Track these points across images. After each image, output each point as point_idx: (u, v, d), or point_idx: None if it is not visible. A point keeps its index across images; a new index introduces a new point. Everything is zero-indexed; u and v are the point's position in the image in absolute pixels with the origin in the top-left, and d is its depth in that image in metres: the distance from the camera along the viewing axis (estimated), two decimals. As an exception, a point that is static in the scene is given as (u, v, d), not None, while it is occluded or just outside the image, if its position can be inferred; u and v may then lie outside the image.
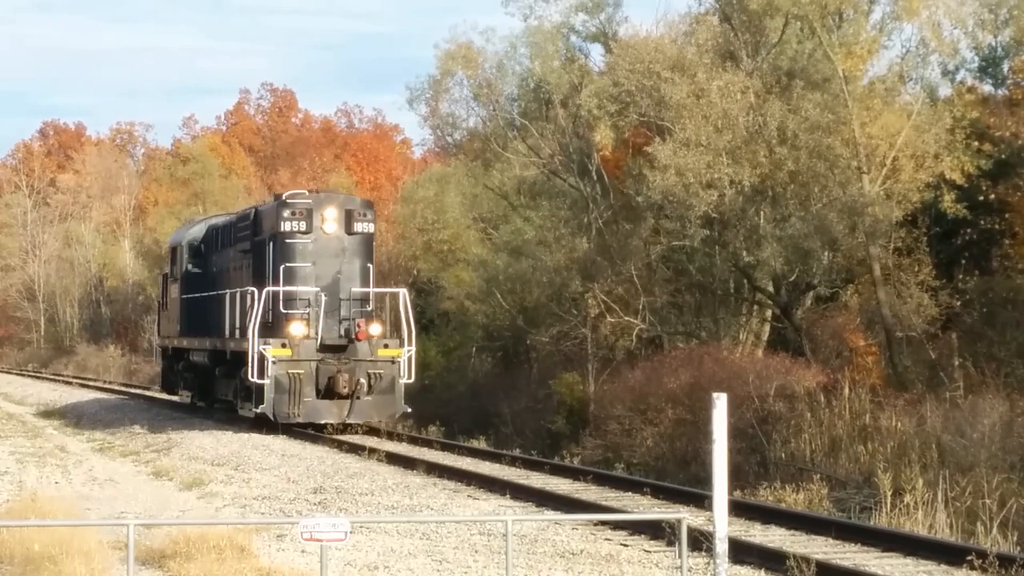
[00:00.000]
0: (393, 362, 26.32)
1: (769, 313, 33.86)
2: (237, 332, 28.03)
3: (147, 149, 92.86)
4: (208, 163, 73.75)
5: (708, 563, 11.98)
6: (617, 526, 15.57)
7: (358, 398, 26.08)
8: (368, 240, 27.46)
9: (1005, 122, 31.40)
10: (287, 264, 26.61)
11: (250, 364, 25.69)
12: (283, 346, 25.84)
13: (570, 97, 36.66)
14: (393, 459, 22.65)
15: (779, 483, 20.66)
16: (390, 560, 14.02)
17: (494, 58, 39.82)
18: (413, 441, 26.36)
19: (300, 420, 26.08)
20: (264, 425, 26.75)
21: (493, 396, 34.69)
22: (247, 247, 28.62)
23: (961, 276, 31.51)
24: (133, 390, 45.94)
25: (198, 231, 33.86)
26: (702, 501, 16.04)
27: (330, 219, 26.85)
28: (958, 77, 35.43)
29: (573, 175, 36.97)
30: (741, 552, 13.40)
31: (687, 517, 11.23)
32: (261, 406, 25.83)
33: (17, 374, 64.80)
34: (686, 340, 33.46)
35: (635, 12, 58.46)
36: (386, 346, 26.52)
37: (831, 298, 33.40)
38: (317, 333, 26.11)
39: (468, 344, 41.31)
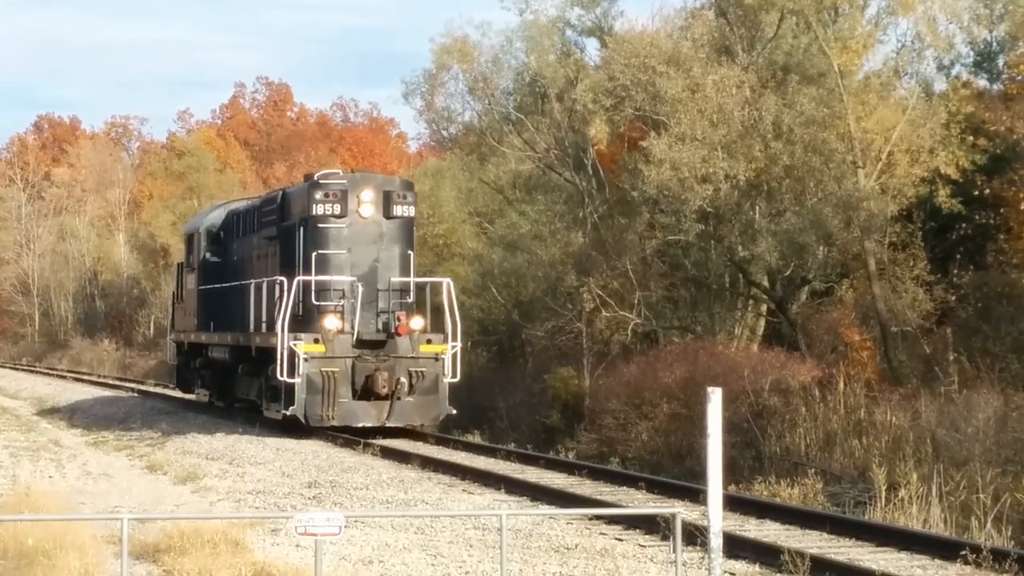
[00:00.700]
0: (436, 359, 24.49)
1: (764, 308, 33.88)
2: (263, 326, 25.92)
3: (142, 143, 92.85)
4: (203, 157, 73.65)
5: (703, 557, 11.97)
6: (612, 521, 15.55)
7: (398, 399, 24.18)
8: (408, 225, 25.36)
9: (1000, 117, 31.39)
10: (319, 251, 24.49)
11: (279, 361, 23.57)
12: (316, 341, 23.84)
13: (565, 91, 36.65)
14: (388, 453, 22.62)
15: (774, 478, 20.68)
16: (385, 554, 14.01)
17: (490, 52, 39.80)
18: (407, 435, 26.15)
19: (334, 423, 24.08)
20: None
21: (488, 390, 34.66)
22: (273, 233, 26.47)
23: (956, 271, 31.52)
24: (128, 384, 45.89)
25: (217, 217, 31.43)
26: (697, 495, 16.04)
27: (367, 201, 24.71)
28: (953, 72, 35.48)
29: (568, 169, 36.97)
30: (736, 547, 13.40)
31: (682, 512, 11.21)
32: (291, 408, 23.86)
33: (11, 368, 64.75)
34: (681, 335, 33.47)
35: (631, 6, 58.48)
36: (429, 341, 24.62)
37: (826, 293, 33.42)
38: (353, 327, 24.14)
39: (463, 338, 41.24)
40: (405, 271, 24.97)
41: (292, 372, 23.56)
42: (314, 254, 24.46)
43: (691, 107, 30.97)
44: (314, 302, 24.39)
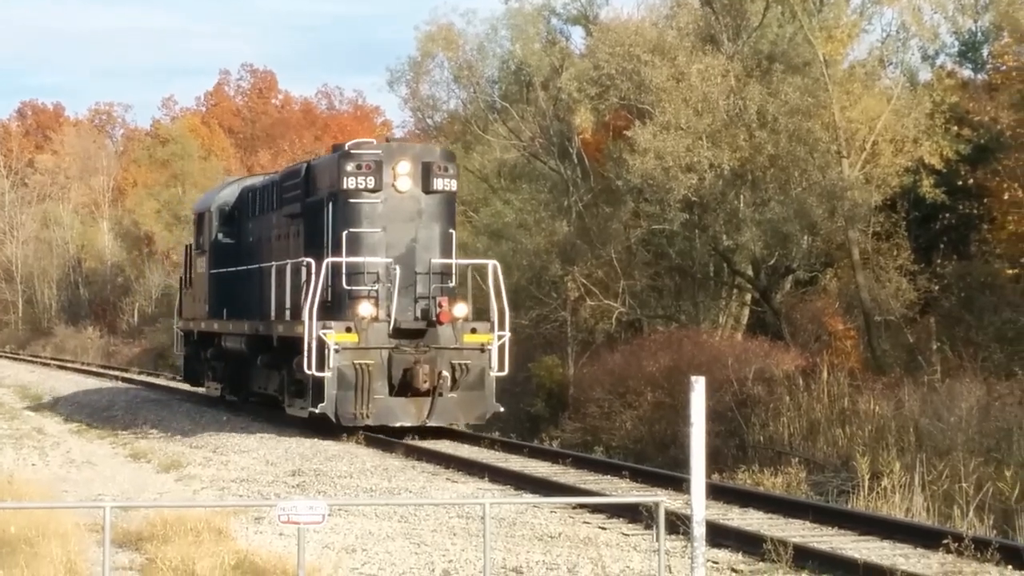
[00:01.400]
0: (482, 350, 21.84)
1: (748, 297, 33.96)
2: (287, 313, 23.22)
3: (126, 130, 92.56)
4: (187, 144, 73.47)
5: (686, 546, 11.99)
6: (595, 509, 15.56)
7: (440, 395, 21.60)
8: (450, 200, 22.65)
9: (984, 107, 31.50)
10: (351, 230, 21.81)
11: (305, 353, 21.02)
12: (347, 331, 21.26)
13: (551, 80, 36.67)
14: (372, 442, 22.51)
15: (757, 466, 20.74)
16: (368, 543, 14.00)
17: (475, 40, 39.83)
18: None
19: (369, 423, 21.60)
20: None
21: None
22: (296, 210, 23.74)
23: (939, 261, 31.64)
24: (112, 372, 45.80)
25: (229, 194, 28.41)
26: (680, 484, 16.07)
27: (403, 174, 21.98)
28: (938, 62, 35.62)
29: (553, 158, 36.99)
30: (719, 535, 13.42)
31: (665, 500, 11.22)
32: (320, 405, 21.33)
33: (-6, 355, 64.54)
34: (666, 323, 33.54)
35: (616, -5, 58.69)
36: (474, 330, 21.92)
37: (810, 282, 33.51)
38: (389, 315, 21.61)
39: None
40: (447, 252, 22.30)
41: (321, 365, 21.10)
42: (345, 233, 21.84)
43: (676, 96, 31.00)
44: (345, 286, 21.83)
